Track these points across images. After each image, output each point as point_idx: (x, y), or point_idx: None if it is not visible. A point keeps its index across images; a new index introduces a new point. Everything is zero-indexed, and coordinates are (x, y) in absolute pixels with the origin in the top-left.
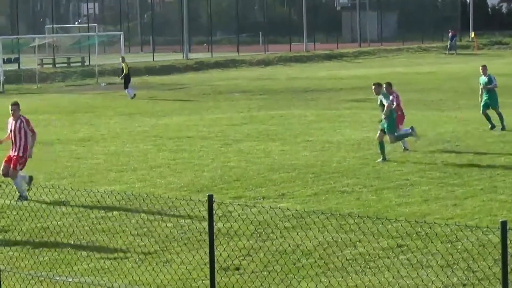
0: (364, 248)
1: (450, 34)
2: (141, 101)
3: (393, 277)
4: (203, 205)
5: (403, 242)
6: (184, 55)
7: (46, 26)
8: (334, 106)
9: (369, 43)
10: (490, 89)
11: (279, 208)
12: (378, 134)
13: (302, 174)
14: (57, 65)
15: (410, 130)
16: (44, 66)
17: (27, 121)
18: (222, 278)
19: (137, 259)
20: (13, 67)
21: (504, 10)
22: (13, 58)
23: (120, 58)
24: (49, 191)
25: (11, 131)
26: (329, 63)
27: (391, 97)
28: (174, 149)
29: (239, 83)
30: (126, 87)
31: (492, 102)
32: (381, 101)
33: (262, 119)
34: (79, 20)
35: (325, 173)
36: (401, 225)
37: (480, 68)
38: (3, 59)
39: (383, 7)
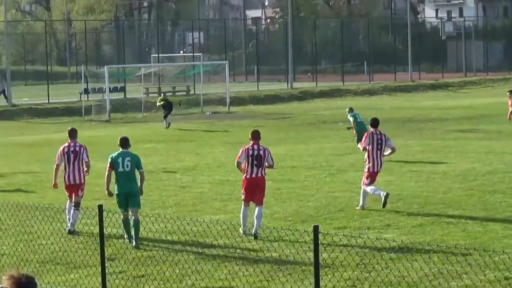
0: (470, 280)
1: None
2: (246, 131)
3: None
4: (308, 235)
5: (510, 275)
6: (289, 85)
7: (151, 55)
8: (440, 136)
9: (475, 73)
10: None
11: (384, 239)
12: None
13: (407, 205)
14: (162, 94)
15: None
16: (150, 95)
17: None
18: None
19: None
20: (119, 96)
21: None
22: (119, 87)
23: (162, 95)
24: (155, 220)
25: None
26: (434, 92)
27: None
28: (279, 178)
29: (344, 112)
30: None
31: None
32: None
33: None
34: (184, 50)
35: (430, 204)
36: (509, 258)
37: None
38: (110, 88)
39: (488, 37)
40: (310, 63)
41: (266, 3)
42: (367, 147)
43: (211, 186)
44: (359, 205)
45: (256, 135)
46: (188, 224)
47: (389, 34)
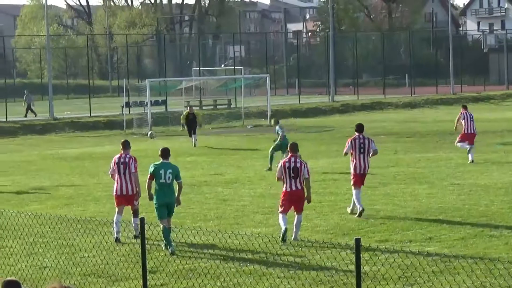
0: None
1: None
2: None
3: None
4: (349, 248)
5: None
6: (330, 98)
7: (193, 68)
8: (482, 149)
9: None
10: None
11: (426, 252)
12: None
13: (449, 218)
14: (203, 108)
15: None
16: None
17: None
18: None
19: None
20: (161, 109)
21: None
22: (160, 101)
23: (188, 108)
24: (197, 233)
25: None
26: (476, 105)
27: None
28: (320, 191)
29: (385, 125)
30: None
31: None
32: None
33: (408, 161)
34: (226, 63)
35: (472, 217)
36: None
37: None
38: (151, 102)
39: None
40: (352, 76)
41: (307, 17)
42: (350, 152)
43: (253, 199)
44: (349, 208)
45: (293, 148)
46: (229, 237)
47: (431, 47)
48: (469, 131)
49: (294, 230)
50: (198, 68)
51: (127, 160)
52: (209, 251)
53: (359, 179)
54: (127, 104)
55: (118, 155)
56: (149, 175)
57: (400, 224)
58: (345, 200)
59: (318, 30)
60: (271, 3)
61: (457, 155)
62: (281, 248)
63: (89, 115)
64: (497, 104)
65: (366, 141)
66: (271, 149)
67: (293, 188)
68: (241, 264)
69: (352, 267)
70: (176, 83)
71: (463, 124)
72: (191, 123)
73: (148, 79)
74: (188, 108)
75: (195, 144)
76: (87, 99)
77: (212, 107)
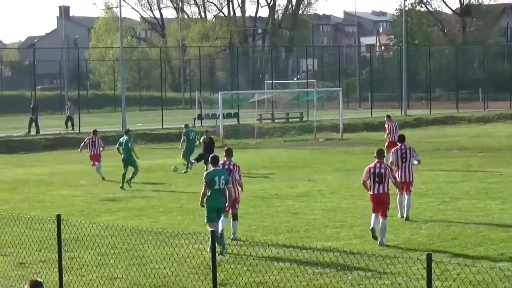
0: None
1: None
2: (359, 157)
3: None
4: (421, 263)
5: None
6: (403, 112)
7: (265, 81)
8: None
9: None
10: None
11: (499, 268)
12: None
13: None
14: (275, 120)
15: None
16: (263, 121)
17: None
18: None
19: None
20: (233, 121)
21: None
22: (232, 113)
23: (205, 135)
24: (268, 246)
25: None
26: None
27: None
28: (391, 206)
29: (458, 140)
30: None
31: None
32: None
33: (481, 177)
34: (298, 76)
35: None
36: None
37: None
38: (223, 114)
39: None
40: (424, 90)
41: (381, 30)
42: (394, 161)
43: (324, 213)
44: (399, 215)
45: (379, 154)
46: (300, 250)
47: (505, 61)
48: None
49: (380, 235)
50: (271, 81)
51: (231, 167)
52: (280, 264)
53: (405, 186)
54: (199, 116)
55: (222, 162)
56: (204, 183)
57: (472, 240)
58: (417, 214)
59: (391, 43)
60: (345, 17)
61: None
62: (352, 261)
63: (161, 127)
64: None
65: (408, 151)
66: None
67: (376, 191)
68: (312, 278)
69: (423, 282)
70: (248, 96)
71: None
72: (206, 152)
73: (221, 92)
74: (205, 133)
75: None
76: (159, 111)
77: (284, 120)
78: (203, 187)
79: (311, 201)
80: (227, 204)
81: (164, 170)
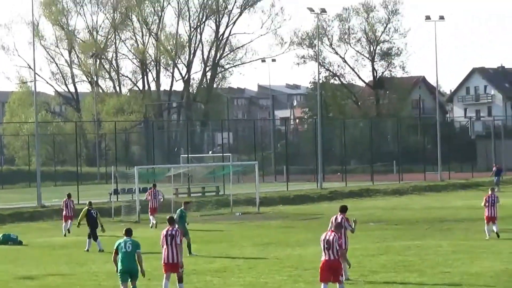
0: None
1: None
2: (276, 231)
3: None
4: None
5: None
6: (318, 184)
7: (181, 155)
8: (471, 236)
9: (505, 172)
10: None
11: None
12: None
13: None
14: (192, 195)
15: None
16: (179, 195)
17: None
18: None
19: None
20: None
21: None
22: (148, 188)
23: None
24: None
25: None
26: (465, 192)
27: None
28: (310, 280)
29: (374, 212)
30: None
31: None
32: None
33: (398, 249)
34: (214, 150)
35: None
36: None
37: None
38: (139, 189)
39: None
40: (340, 163)
41: (295, 103)
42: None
43: None
44: None
45: (337, 226)
46: None
47: (418, 133)
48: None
49: None
50: (187, 155)
51: (173, 232)
52: None
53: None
54: (115, 192)
55: (166, 229)
56: (114, 250)
57: None
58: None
59: (305, 116)
60: (259, 90)
61: (447, 242)
62: None
63: (77, 202)
64: (485, 191)
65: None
66: None
67: (327, 258)
68: None
69: None
70: (164, 170)
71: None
72: (93, 223)
73: (136, 166)
74: (88, 203)
75: (88, 250)
76: (75, 186)
77: (200, 194)
78: (113, 254)
79: (229, 276)
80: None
81: (80, 247)
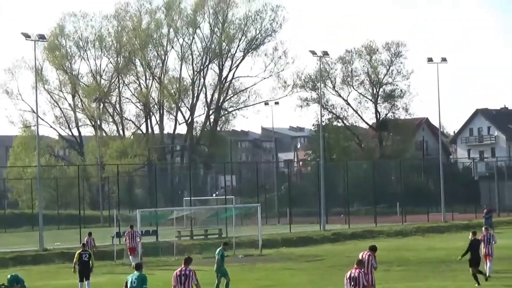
0: None
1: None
2: (279, 273)
3: None
4: None
5: None
6: (321, 226)
7: (184, 198)
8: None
9: (508, 213)
10: None
11: None
12: None
13: None
14: (194, 237)
15: None
16: (182, 238)
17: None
18: None
19: None
20: (152, 239)
21: None
22: (151, 231)
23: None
24: None
25: None
26: (468, 233)
27: None
28: None
29: (377, 253)
30: None
31: None
32: None
33: None
34: (217, 192)
35: None
36: None
37: None
38: (142, 232)
39: None
40: (343, 205)
41: (298, 146)
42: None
43: None
44: None
45: (359, 262)
46: None
47: (422, 174)
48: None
49: None
50: (189, 198)
51: (187, 272)
52: None
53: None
54: (118, 235)
55: (179, 268)
56: (124, 285)
57: None
58: None
59: (309, 159)
60: (262, 133)
61: (449, 283)
62: None
63: (79, 245)
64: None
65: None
66: None
67: None
68: None
69: None
70: (167, 213)
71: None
72: (85, 266)
73: (139, 209)
74: (82, 245)
75: None
76: (78, 230)
77: (203, 236)
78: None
79: None
80: None
81: None
